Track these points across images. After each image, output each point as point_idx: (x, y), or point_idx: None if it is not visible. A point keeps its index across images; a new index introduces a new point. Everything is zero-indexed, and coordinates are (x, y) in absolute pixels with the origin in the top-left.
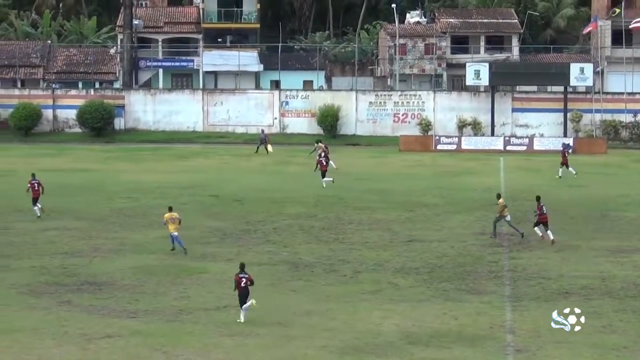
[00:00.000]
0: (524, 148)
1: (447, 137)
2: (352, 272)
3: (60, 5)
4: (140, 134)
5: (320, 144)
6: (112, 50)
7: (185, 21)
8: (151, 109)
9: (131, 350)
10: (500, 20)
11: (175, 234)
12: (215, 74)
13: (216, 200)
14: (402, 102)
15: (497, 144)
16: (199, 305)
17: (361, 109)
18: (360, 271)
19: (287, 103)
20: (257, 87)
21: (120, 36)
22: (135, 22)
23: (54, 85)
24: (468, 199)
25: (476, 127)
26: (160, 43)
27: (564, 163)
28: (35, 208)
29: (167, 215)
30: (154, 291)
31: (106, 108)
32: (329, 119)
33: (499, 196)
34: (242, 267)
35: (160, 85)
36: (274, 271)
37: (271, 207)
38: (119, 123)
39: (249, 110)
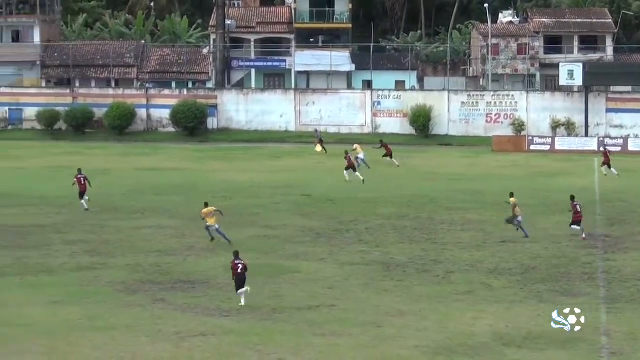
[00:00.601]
0: (619, 149)
1: (540, 137)
2: (445, 273)
3: (152, 5)
4: (233, 133)
5: (355, 145)
6: (205, 50)
7: (277, 21)
8: (244, 108)
9: (224, 349)
10: (594, 20)
11: (217, 226)
12: (307, 73)
13: (309, 200)
14: (495, 103)
15: (591, 144)
16: (291, 304)
17: (453, 109)
18: (452, 271)
19: (379, 103)
20: (349, 87)
21: (213, 36)
22: (228, 22)
23: (147, 85)
24: (561, 200)
25: (570, 128)
26: (252, 43)
27: (606, 162)
28: (82, 202)
29: (205, 210)
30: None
31: (199, 108)
32: (421, 119)
33: (511, 195)
34: (237, 254)
35: (253, 85)
36: (367, 271)
37: (363, 207)
38: (211, 122)
39: (341, 110)
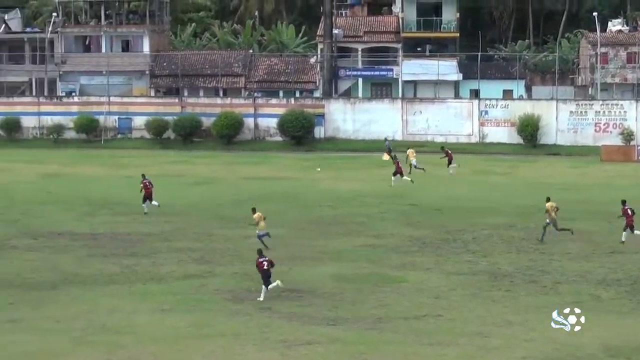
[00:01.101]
0: None
1: None
2: (552, 283)
3: (259, 15)
4: (340, 142)
5: (410, 150)
6: (313, 60)
7: (384, 30)
8: (350, 117)
9: (330, 358)
10: None
11: (263, 232)
12: (414, 83)
13: (415, 209)
14: (604, 112)
15: None
16: (398, 313)
17: (562, 119)
18: (560, 282)
19: (486, 112)
20: (456, 96)
21: (320, 45)
22: (336, 31)
23: (255, 94)
24: None
25: None
26: (359, 52)
27: None
28: (149, 204)
29: (256, 215)
30: (353, 299)
31: (306, 117)
32: (529, 129)
33: (548, 199)
34: (260, 252)
35: (360, 94)
36: (474, 281)
37: (470, 216)
38: (319, 132)
39: (448, 120)
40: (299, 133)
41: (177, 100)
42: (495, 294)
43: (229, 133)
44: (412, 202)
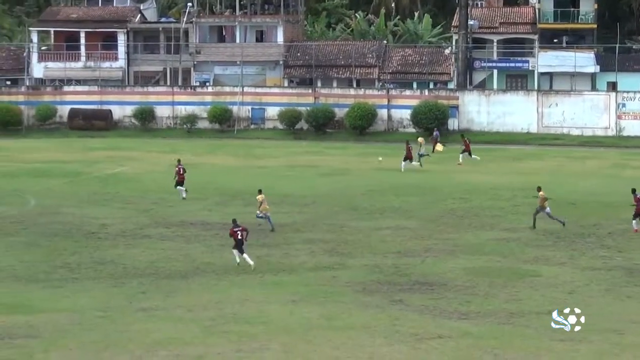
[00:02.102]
0: None
1: None
2: None
3: (394, 5)
4: (474, 134)
5: (420, 139)
6: (447, 51)
7: (520, 21)
8: (485, 109)
9: (462, 352)
10: None
11: (267, 213)
12: (550, 75)
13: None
14: None
15: None
16: (530, 308)
17: None
18: None
19: (624, 105)
20: (593, 88)
21: (455, 36)
22: (471, 22)
23: (388, 85)
24: None
25: None
26: (495, 43)
27: None
28: (180, 189)
29: (259, 197)
30: (486, 293)
31: (440, 108)
32: None
33: (539, 189)
34: (235, 221)
35: (495, 86)
36: (609, 276)
37: (606, 211)
38: (452, 124)
39: (584, 112)
40: (433, 125)
41: (310, 90)
42: (631, 289)
43: (362, 124)
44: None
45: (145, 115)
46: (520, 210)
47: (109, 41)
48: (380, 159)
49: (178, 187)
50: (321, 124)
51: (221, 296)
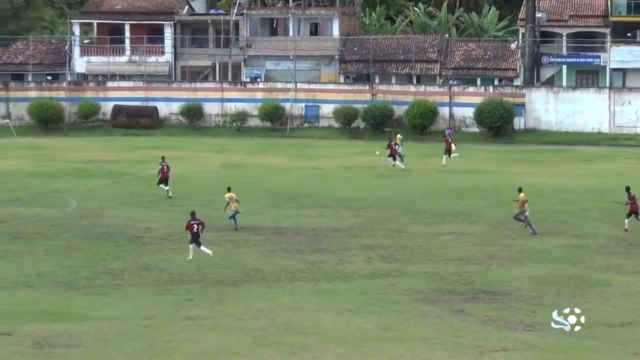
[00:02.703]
0: None
1: None
2: None
3: None
4: (541, 134)
5: (398, 135)
6: (513, 45)
7: (591, 14)
8: (553, 108)
9: None
10: None
11: (234, 212)
12: (623, 71)
13: (622, 207)
14: None
15: None
16: (601, 319)
17: None
18: None
19: None
20: None
21: (522, 30)
22: (538, 15)
23: (451, 82)
24: None
25: None
26: (564, 38)
27: None
28: (164, 187)
29: (227, 195)
30: (553, 303)
31: (505, 106)
32: None
33: (520, 190)
34: (193, 214)
35: (564, 82)
36: None
37: None
38: (518, 123)
39: None
40: (497, 124)
41: (367, 87)
42: None
43: (422, 123)
44: (619, 200)
45: (193, 113)
46: (591, 215)
47: (155, 34)
48: (378, 152)
49: (161, 185)
50: (379, 123)
51: (272, 304)
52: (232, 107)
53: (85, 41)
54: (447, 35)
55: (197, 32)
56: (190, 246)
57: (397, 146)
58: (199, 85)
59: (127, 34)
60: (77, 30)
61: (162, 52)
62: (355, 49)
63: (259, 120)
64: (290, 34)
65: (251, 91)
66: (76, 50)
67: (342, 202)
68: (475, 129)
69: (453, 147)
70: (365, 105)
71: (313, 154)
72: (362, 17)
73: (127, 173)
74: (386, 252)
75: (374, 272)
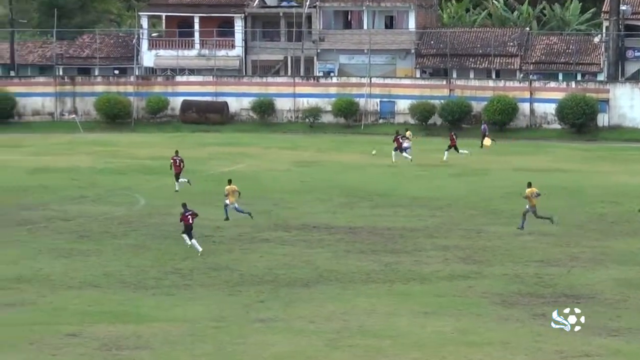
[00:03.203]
0: None
1: None
2: None
3: None
4: (626, 131)
5: (408, 132)
6: (596, 39)
7: None
8: (638, 104)
9: None
10: None
11: (235, 205)
12: None
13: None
14: None
15: None
16: None
17: None
18: None
19: None
20: None
21: (605, 23)
22: (623, 7)
23: (531, 77)
24: None
25: None
26: None
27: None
28: (177, 183)
29: (228, 187)
30: (639, 307)
31: (588, 102)
32: None
33: (529, 185)
34: (185, 205)
35: None
36: None
37: None
38: (602, 119)
39: None
40: (580, 120)
41: (444, 82)
42: None
43: (501, 119)
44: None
45: (264, 108)
46: None
47: (225, 27)
48: (374, 152)
49: (180, 179)
50: (456, 119)
51: (346, 306)
52: (304, 103)
53: (153, 34)
54: (527, 29)
55: (269, 25)
56: (184, 236)
57: (404, 141)
58: (270, 80)
59: (197, 27)
60: (145, 23)
61: (233, 46)
62: (432, 42)
63: (332, 116)
64: (365, 27)
65: (324, 86)
66: (144, 44)
67: (417, 201)
68: (556, 126)
69: (487, 141)
70: (442, 101)
71: (388, 152)
72: (439, 10)
73: (197, 170)
74: (464, 253)
75: (451, 273)
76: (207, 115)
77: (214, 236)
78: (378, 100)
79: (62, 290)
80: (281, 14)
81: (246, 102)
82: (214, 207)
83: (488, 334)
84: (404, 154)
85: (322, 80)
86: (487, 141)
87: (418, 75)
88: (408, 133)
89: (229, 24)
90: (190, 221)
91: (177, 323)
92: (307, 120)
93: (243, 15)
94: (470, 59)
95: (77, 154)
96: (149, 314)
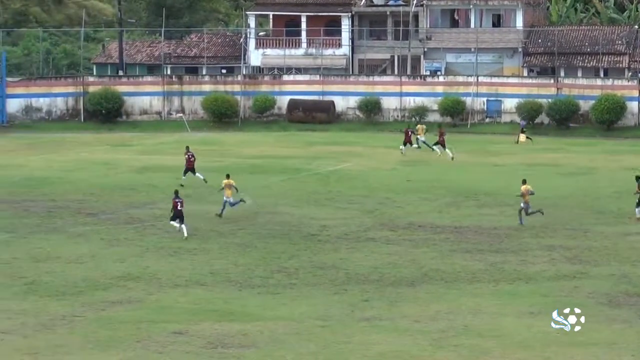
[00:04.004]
0: None
1: None
2: None
3: None
4: None
5: (422, 126)
6: None
7: None
8: None
9: None
10: None
11: (231, 199)
12: None
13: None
14: None
15: None
16: None
17: None
18: None
19: None
20: None
21: None
22: None
23: (639, 75)
24: None
25: None
26: None
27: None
28: (198, 175)
29: (225, 181)
30: None
31: None
32: None
33: (524, 182)
34: (177, 193)
35: None
36: None
37: None
38: None
39: None
40: None
41: (552, 81)
42: None
43: (609, 118)
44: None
45: (371, 107)
46: None
47: (332, 26)
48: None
49: (197, 174)
50: (564, 118)
51: (451, 306)
52: (410, 102)
53: (260, 33)
54: (636, 27)
55: (376, 24)
56: (172, 222)
57: (421, 136)
58: (376, 78)
59: (304, 26)
60: (252, 22)
61: (339, 45)
62: (539, 41)
63: (439, 115)
64: (472, 25)
65: (431, 85)
66: (251, 43)
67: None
68: None
69: (522, 137)
70: (549, 100)
71: (495, 150)
72: (547, 8)
73: (303, 169)
74: (570, 253)
75: (557, 273)
76: (314, 114)
77: (319, 235)
78: (485, 99)
79: (168, 288)
80: (388, 13)
81: (353, 101)
82: (320, 206)
83: (594, 334)
84: (412, 146)
85: (429, 79)
86: (523, 137)
87: (525, 73)
88: (421, 127)
89: (336, 22)
90: (179, 207)
91: (282, 322)
92: (413, 119)
93: (350, 14)
94: (578, 58)
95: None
96: (255, 313)
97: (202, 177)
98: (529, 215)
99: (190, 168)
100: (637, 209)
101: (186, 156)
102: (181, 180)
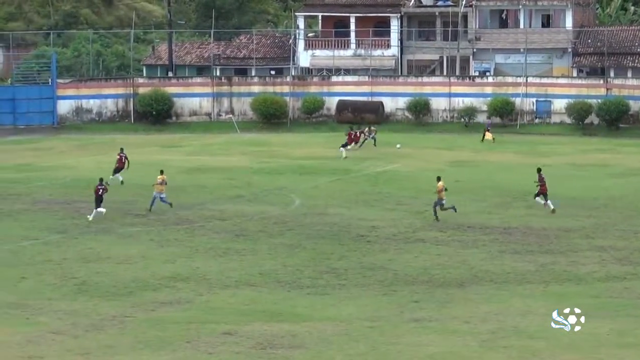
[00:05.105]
0: None
1: None
2: None
3: None
4: None
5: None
6: None
7: None
8: None
9: None
10: None
11: (163, 195)
12: None
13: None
14: None
15: None
16: None
17: None
18: None
19: None
20: None
21: None
22: None
23: None
24: None
25: None
26: None
27: None
28: (112, 177)
29: (159, 177)
30: None
31: None
32: None
33: (439, 179)
34: (101, 180)
35: None
36: None
37: None
38: None
39: None
40: None
41: (601, 81)
42: None
43: None
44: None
45: (420, 108)
46: None
47: (381, 27)
48: (399, 145)
49: (117, 174)
50: (614, 119)
51: (501, 307)
52: (459, 103)
53: (309, 34)
54: None
55: (424, 25)
56: (96, 210)
57: (369, 135)
58: (425, 79)
59: (352, 26)
60: (301, 23)
61: (388, 46)
62: (589, 41)
63: (488, 116)
64: (521, 26)
65: (480, 86)
66: (300, 44)
67: (573, 201)
68: None
69: (488, 135)
70: (599, 101)
71: (544, 151)
72: (597, 8)
73: (352, 170)
74: (621, 254)
75: (607, 274)
76: (363, 115)
77: (368, 236)
78: (534, 99)
79: (218, 289)
80: (437, 14)
81: (401, 102)
82: (369, 207)
83: None
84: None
85: (478, 80)
86: (489, 135)
87: (575, 74)
88: (372, 128)
89: (384, 23)
90: (100, 193)
91: (331, 322)
92: (462, 120)
93: (399, 14)
94: (628, 58)
95: (234, 154)
96: (304, 314)
97: (121, 178)
98: (443, 210)
99: (120, 168)
100: (536, 198)
101: (118, 156)
102: (111, 181)
